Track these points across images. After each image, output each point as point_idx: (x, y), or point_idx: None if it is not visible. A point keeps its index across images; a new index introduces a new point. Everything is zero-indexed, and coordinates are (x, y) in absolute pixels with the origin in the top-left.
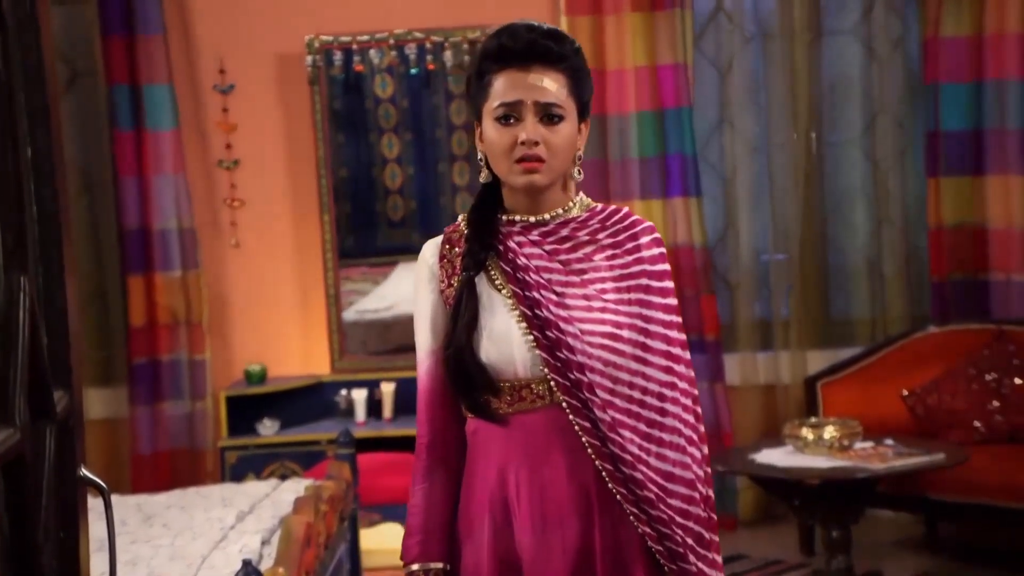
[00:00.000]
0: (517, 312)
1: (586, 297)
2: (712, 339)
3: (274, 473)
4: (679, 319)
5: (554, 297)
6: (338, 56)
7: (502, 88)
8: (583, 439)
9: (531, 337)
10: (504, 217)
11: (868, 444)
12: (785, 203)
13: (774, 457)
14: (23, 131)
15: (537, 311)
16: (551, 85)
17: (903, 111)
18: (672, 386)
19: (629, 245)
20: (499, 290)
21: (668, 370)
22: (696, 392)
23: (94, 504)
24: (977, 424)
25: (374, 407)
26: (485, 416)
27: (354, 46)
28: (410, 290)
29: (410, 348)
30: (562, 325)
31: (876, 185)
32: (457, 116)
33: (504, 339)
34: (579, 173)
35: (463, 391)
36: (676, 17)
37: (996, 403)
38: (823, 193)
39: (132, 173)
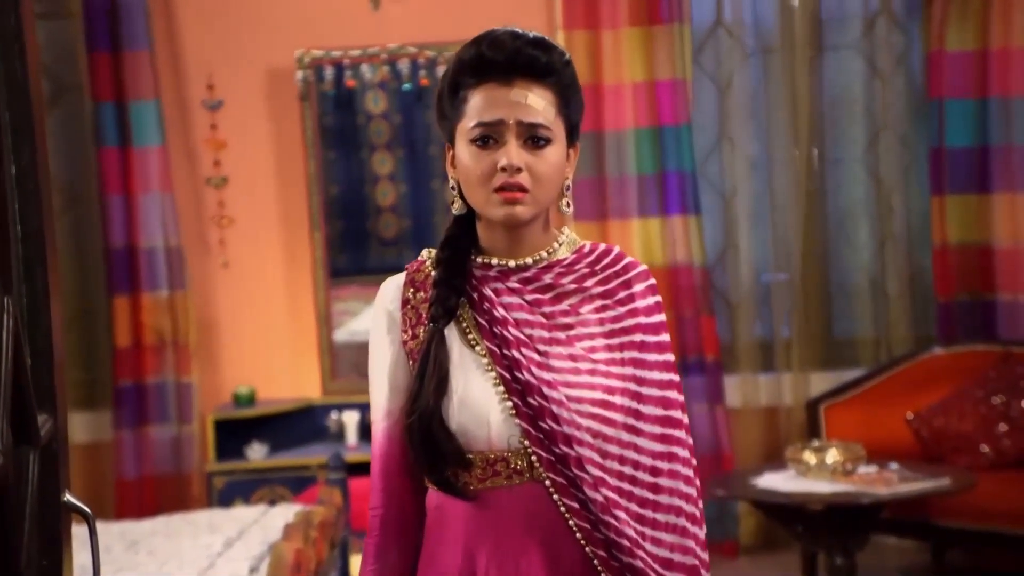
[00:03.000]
0: (493, 373)
1: (572, 357)
2: (712, 360)
3: (263, 498)
4: (677, 377)
5: (536, 357)
6: (329, 71)
7: (480, 105)
8: (570, 522)
9: (509, 404)
10: (478, 259)
11: (872, 468)
12: (786, 221)
13: (776, 482)
14: (7, 148)
15: (517, 373)
16: (537, 102)
17: (906, 127)
18: (669, 457)
19: (622, 294)
20: (472, 346)
21: (664, 439)
22: (695, 463)
23: (78, 531)
24: (984, 448)
25: (366, 430)
26: (451, 491)
27: (345, 61)
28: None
29: None
30: (546, 391)
31: (879, 203)
32: None
33: (478, 405)
34: (568, 206)
35: (427, 463)
36: (675, 32)
37: (1004, 427)
38: (825, 211)
39: (118, 191)
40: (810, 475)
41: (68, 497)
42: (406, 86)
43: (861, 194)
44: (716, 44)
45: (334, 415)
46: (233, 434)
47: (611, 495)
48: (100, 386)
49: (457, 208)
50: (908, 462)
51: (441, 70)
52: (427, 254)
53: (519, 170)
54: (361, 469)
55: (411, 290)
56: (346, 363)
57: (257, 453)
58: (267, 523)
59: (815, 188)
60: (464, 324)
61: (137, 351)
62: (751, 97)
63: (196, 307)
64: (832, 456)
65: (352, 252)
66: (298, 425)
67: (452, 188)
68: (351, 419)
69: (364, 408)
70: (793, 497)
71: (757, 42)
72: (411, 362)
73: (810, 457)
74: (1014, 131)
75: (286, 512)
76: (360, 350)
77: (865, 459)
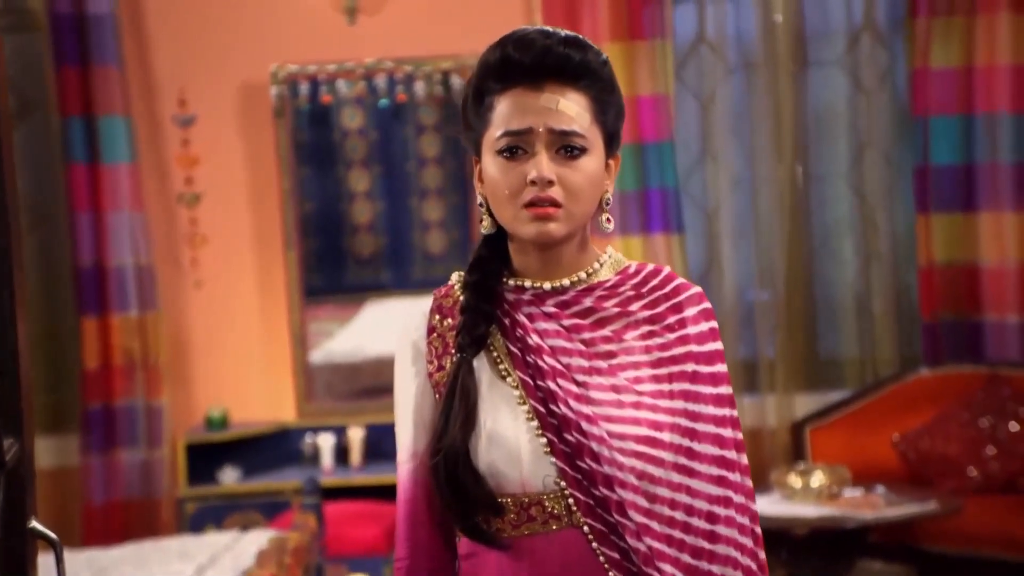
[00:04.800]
0: (526, 407)
1: (615, 388)
2: None
3: (235, 524)
4: (735, 413)
5: (574, 389)
6: (304, 87)
7: (507, 112)
8: (610, 574)
9: (544, 440)
10: (511, 282)
11: (858, 492)
12: (770, 239)
13: (760, 505)
14: None
15: (552, 406)
16: (570, 108)
17: (891, 144)
18: (725, 502)
19: (671, 319)
20: (503, 377)
21: (720, 481)
22: (755, 508)
23: (44, 558)
24: (972, 471)
25: (342, 454)
26: (482, 540)
27: (321, 76)
28: (379, 330)
29: (380, 390)
30: (584, 426)
31: (864, 220)
32: (429, 149)
33: (508, 442)
34: (608, 222)
35: (455, 507)
36: (656, 47)
37: (992, 449)
38: (809, 228)
39: (87, 209)
40: (795, 499)
41: (34, 524)
42: (383, 102)
43: (845, 211)
44: (698, 60)
45: (309, 438)
46: (205, 458)
47: (657, 545)
48: (67, 409)
49: (486, 227)
50: (894, 485)
51: (419, 85)
52: (456, 278)
53: (551, 183)
54: (336, 494)
55: (437, 317)
56: (322, 385)
57: (229, 477)
58: (240, 550)
59: (799, 205)
60: (495, 353)
61: (106, 373)
62: (734, 113)
63: (167, 328)
64: (817, 479)
65: (328, 271)
66: (272, 449)
67: (480, 205)
68: (326, 442)
69: (340, 431)
70: (778, 521)
71: (740, 58)
72: (437, 395)
73: (795, 480)
74: (1000, 149)
75: (259, 538)
76: (336, 372)
77: (851, 482)
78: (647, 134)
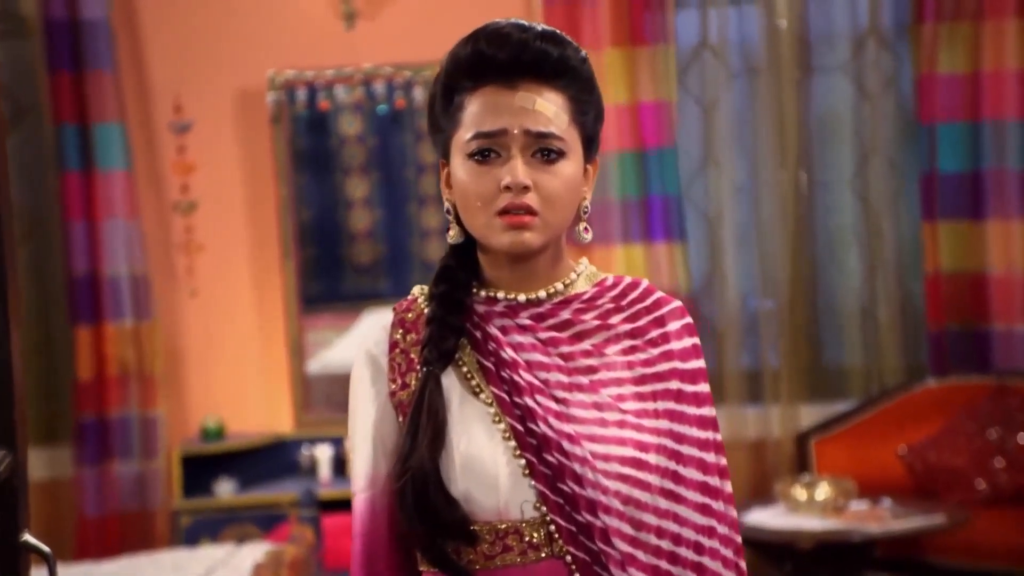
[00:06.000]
0: (502, 425)
1: (598, 406)
2: None
3: (231, 537)
4: (718, 437)
5: (554, 406)
6: (302, 93)
7: (479, 112)
8: None
9: (523, 462)
10: (481, 293)
11: (864, 505)
12: (773, 246)
13: (764, 518)
14: None
15: (531, 425)
16: (547, 108)
17: (896, 151)
18: (709, 532)
19: (653, 334)
20: (476, 393)
21: (704, 509)
22: (739, 540)
23: (37, 572)
24: (980, 483)
25: (339, 465)
26: (452, 572)
27: (319, 82)
28: None
29: None
30: (566, 446)
31: (869, 228)
32: (427, 155)
33: (484, 464)
34: (586, 232)
35: (423, 537)
36: (659, 53)
37: (1000, 461)
38: (813, 236)
39: (80, 217)
40: (800, 511)
41: (27, 537)
42: (381, 108)
43: (850, 219)
44: (701, 65)
45: (306, 450)
46: (200, 469)
47: None
48: (61, 420)
49: (453, 236)
50: (901, 498)
51: (418, 92)
52: (419, 291)
53: (526, 189)
54: (334, 506)
55: (400, 332)
56: (319, 395)
57: (225, 489)
58: (236, 563)
59: (803, 213)
60: (465, 368)
61: (100, 383)
62: (737, 120)
63: (162, 337)
64: (822, 492)
65: (325, 279)
66: (269, 460)
67: (447, 212)
68: (324, 454)
69: (338, 442)
70: (782, 534)
71: (743, 63)
72: (400, 416)
73: (800, 493)
74: (1007, 155)
75: (255, 551)
76: (334, 382)
77: (856, 495)
78: (649, 141)
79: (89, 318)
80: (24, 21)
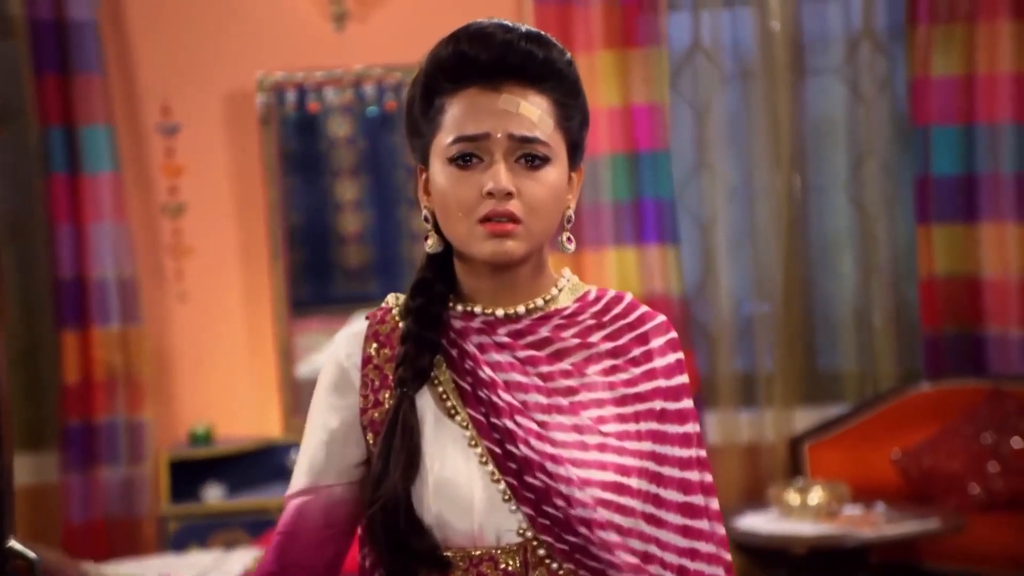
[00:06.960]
0: (479, 449)
1: (577, 429)
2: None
3: (220, 543)
4: (702, 453)
5: (534, 427)
6: (291, 94)
7: (461, 115)
8: None
9: (502, 487)
10: (458, 307)
11: (858, 509)
12: (767, 250)
13: (757, 523)
14: None
15: (511, 447)
16: (531, 111)
17: (891, 154)
18: (692, 554)
19: (636, 352)
20: (451, 415)
21: (686, 531)
22: (729, 558)
23: None
24: (974, 488)
25: None
26: None
27: (308, 84)
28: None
29: None
30: (549, 466)
31: (863, 232)
32: None
33: (459, 489)
34: (569, 242)
35: (392, 564)
36: (651, 55)
37: (995, 466)
38: (807, 240)
39: (67, 220)
40: (793, 516)
41: (13, 543)
42: (371, 110)
43: (844, 223)
44: (694, 68)
45: (295, 454)
46: (188, 475)
47: None
48: (46, 425)
49: (431, 245)
50: (895, 503)
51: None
52: (393, 300)
53: (509, 195)
54: None
55: (375, 346)
56: (308, 400)
57: (214, 495)
58: (224, 569)
59: (797, 216)
60: (440, 388)
61: (86, 388)
62: (730, 123)
63: (150, 341)
64: (816, 496)
65: (315, 283)
66: (258, 465)
67: (426, 220)
68: None
69: None
70: (775, 539)
71: (736, 66)
72: (371, 436)
73: (793, 497)
74: (1001, 158)
75: (244, 557)
76: None
77: (850, 499)
78: (642, 143)
79: (76, 322)
80: (10, 22)
